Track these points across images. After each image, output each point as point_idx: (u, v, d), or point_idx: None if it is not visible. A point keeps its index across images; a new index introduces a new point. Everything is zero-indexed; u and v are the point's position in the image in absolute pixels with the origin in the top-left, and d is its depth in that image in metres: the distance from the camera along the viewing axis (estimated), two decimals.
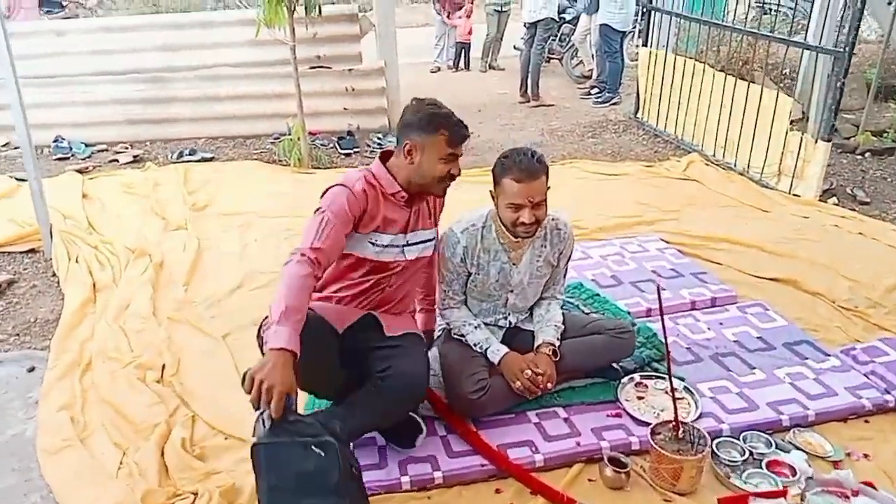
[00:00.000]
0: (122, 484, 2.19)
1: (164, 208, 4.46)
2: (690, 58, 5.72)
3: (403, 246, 2.29)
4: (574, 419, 2.43)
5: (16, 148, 5.61)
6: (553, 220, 2.52)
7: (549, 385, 2.41)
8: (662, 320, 2.24)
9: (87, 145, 5.62)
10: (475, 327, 2.52)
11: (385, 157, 2.29)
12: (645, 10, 6.21)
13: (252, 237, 4.11)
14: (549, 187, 2.37)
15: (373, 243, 2.22)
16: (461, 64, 10.00)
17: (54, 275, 3.66)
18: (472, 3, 10.11)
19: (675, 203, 4.60)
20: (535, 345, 2.49)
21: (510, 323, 2.63)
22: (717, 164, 5.28)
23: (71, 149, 5.56)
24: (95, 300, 3.36)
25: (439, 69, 10.03)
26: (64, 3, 8.11)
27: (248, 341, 2.97)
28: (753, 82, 5.10)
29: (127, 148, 5.62)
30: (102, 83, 5.67)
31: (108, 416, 2.51)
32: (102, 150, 5.65)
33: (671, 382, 2.25)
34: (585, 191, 4.83)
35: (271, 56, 5.73)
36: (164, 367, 2.81)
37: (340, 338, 2.21)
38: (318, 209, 2.13)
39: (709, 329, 3.00)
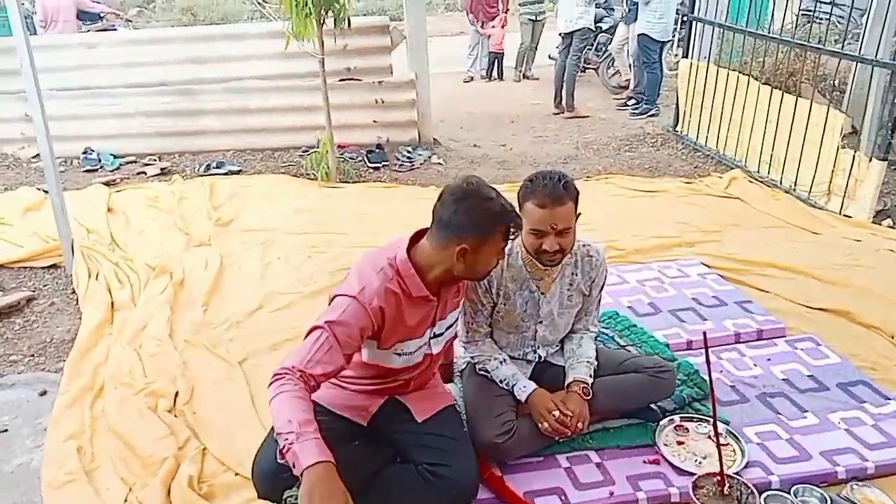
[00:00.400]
0: None
1: (188, 223, 4.38)
2: (734, 70, 5.48)
3: (430, 339, 2.10)
4: (608, 465, 2.25)
5: None
6: (585, 246, 2.37)
7: (581, 426, 2.23)
8: (709, 370, 2.04)
9: (115, 157, 5.60)
10: (501, 362, 2.36)
11: (414, 240, 1.99)
12: (686, 20, 5.96)
13: (275, 255, 4.00)
14: (578, 213, 2.22)
15: (399, 354, 2.01)
16: (494, 73, 9.86)
17: (74, 292, 3.59)
18: (506, 13, 9.97)
19: (717, 223, 4.37)
20: (566, 383, 2.32)
21: (539, 357, 2.46)
22: (761, 182, 5.03)
23: (100, 161, 5.55)
24: (113, 320, 3.28)
25: (472, 79, 9.90)
26: (102, 15, 8.15)
27: (264, 368, 2.88)
28: (800, 95, 4.85)
29: (155, 160, 5.59)
30: (132, 95, 5.65)
31: (116, 448, 2.41)
32: (131, 163, 5.63)
33: (716, 429, 2.05)
34: (622, 208, 4.63)
35: (300, 68, 5.65)
36: (176, 394, 2.71)
37: (367, 430, 2.07)
38: (319, 321, 1.83)
39: (755, 365, 2.78)
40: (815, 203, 4.61)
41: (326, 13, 4.69)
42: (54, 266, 3.87)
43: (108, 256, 3.86)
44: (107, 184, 5.08)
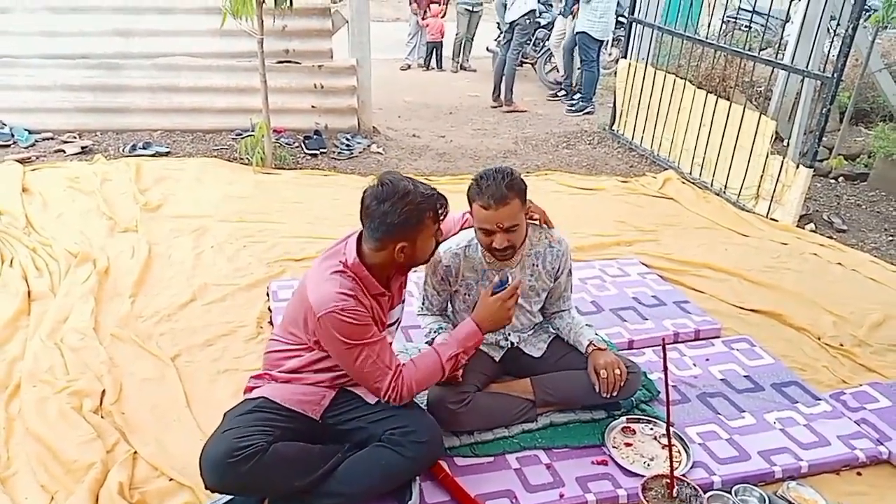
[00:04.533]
0: None
1: (112, 207, 4.12)
2: (670, 72, 5.60)
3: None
4: (557, 466, 2.25)
5: None
6: (547, 237, 2.42)
7: (621, 370, 2.31)
8: (666, 377, 2.05)
9: (30, 132, 5.21)
10: (435, 331, 2.43)
11: (359, 248, 2.05)
12: (627, 21, 6.06)
13: (208, 243, 3.81)
14: (528, 207, 2.28)
15: None
16: (433, 63, 9.79)
17: None
18: (445, 4, 9.91)
19: (653, 222, 4.47)
20: (585, 347, 2.41)
21: (511, 343, 2.52)
22: (693, 183, 5.18)
23: (13, 136, 5.14)
24: (30, 311, 3.04)
25: (409, 66, 9.80)
26: None
27: (199, 365, 2.75)
28: (727, 99, 5.00)
29: (75, 138, 5.23)
30: (50, 67, 5.25)
31: (36, 452, 2.22)
32: (48, 139, 5.24)
33: (669, 435, 2.07)
34: (561, 206, 4.66)
35: (236, 47, 5.41)
36: (103, 393, 2.53)
37: (320, 425, 2.06)
38: (352, 352, 1.95)
39: (695, 365, 2.85)
40: (743, 206, 4.78)
41: None
42: None
43: (24, 241, 3.58)
44: (21, 161, 4.72)
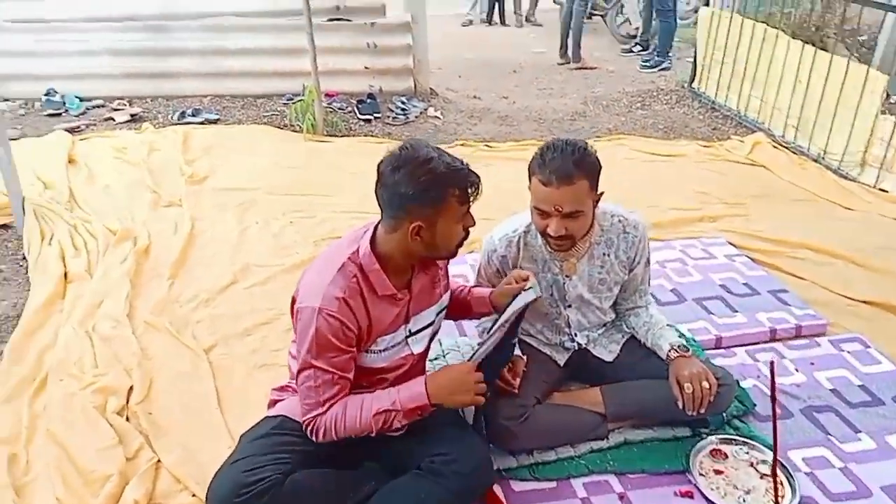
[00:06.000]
0: None
1: (157, 180, 3.94)
2: (759, 21, 4.99)
3: (407, 338, 1.80)
4: (632, 496, 1.92)
5: (6, 100, 5.11)
6: (620, 221, 2.06)
7: (709, 382, 1.92)
8: (773, 406, 1.68)
9: (81, 100, 5.09)
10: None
11: (375, 235, 1.71)
12: None
13: (253, 218, 3.58)
14: (600, 193, 1.91)
15: (368, 352, 1.74)
16: (496, 17, 9.26)
17: (25, 258, 3.18)
18: None
19: (741, 194, 3.98)
20: (666, 353, 2.03)
21: (578, 345, 2.18)
22: (786, 147, 4.62)
23: (64, 103, 5.04)
24: (65, 294, 2.87)
25: (471, 22, 9.29)
26: None
27: (235, 358, 2.53)
28: (825, 50, 4.39)
29: (125, 105, 5.08)
30: (96, 31, 5.10)
31: (55, 457, 2.04)
32: (98, 107, 5.11)
33: (775, 476, 1.70)
34: (636, 175, 4.22)
35: (285, 5, 5.11)
36: (130, 389, 2.33)
37: (348, 447, 1.76)
38: (303, 356, 1.63)
39: (797, 370, 2.44)
40: (846, 174, 4.21)
41: None
42: (4, 227, 3.44)
43: (65, 217, 3.42)
44: (70, 130, 4.59)
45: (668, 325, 2.14)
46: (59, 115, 4.95)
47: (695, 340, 2.53)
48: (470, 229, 1.71)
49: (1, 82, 5.12)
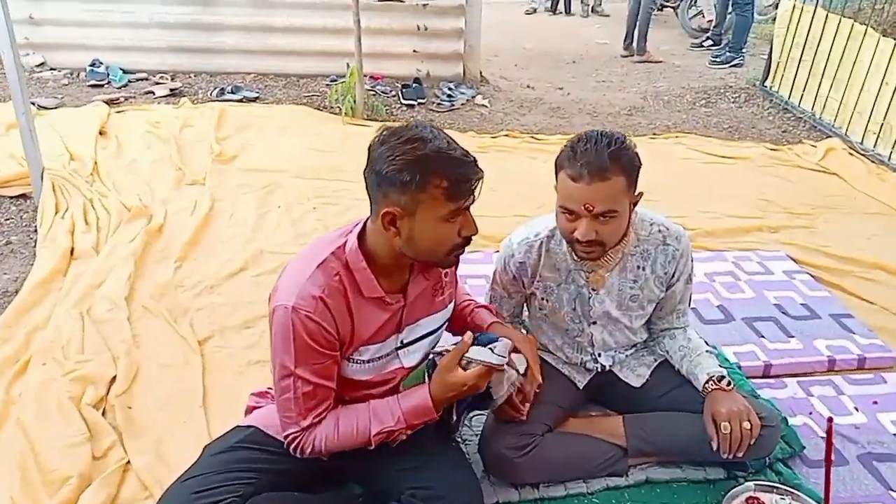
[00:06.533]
0: None
1: (184, 156, 3.81)
2: (846, 16, 4.53)
3: (397, 349, 1.56)
4: None
5: (52, 69, 5.10)
6: (660, 231, 1.77)
7: (750, 423, 1.63)
8: (828, 467, 1.38)
9: (125, 72, 5.03)
10: None
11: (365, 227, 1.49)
12: None
13: (276, 202, 3.42)
14: (639, 194, 1.63)
15: (352, 361, 1.52)
16: (560, 7, 8.89)
17: (37, 230, 3.09)
18: None
19: (808, 203, 3.60)
20: (703, 384, 1.74)
21: (601, 366, 1.91)
22: (864, 155, 4.18)
23: (108, 75, 4.99)
24: (67, 272, 2.76)
25: (535, 11, 8.97)
26: None
27: (229, 352, 2.35)
28: None
29: (166, 79, 5.00)
30: (145, 2, 5.02)
31: (20, 450, 1.90)
32: (142, 80, 5.05)
33: None
34: (691, 177, 3.87)
35: None
36: (113, 379, 2.18)
37: (323, 466, 1.57)
38: (282, 363, 1.43)
39: (857, 409, 2.11)
40: None
41: None
42: (23, 196, 3.36)
43: (83, 190, 3.32)
44: (109, 102, 4.53)
45: (707, 351, 1.84)
46: (102, 86, 4.90)
47: (739, 368, 2.23)
48: (470, 237, 1.44)
49: (49, 51, 5.11)
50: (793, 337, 2.43)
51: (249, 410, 1.72)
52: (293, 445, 1.48)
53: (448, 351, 1.50)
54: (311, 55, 5.14)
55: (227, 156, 3.87)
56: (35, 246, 2.95)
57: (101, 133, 4.03)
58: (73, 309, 2.48)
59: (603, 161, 1.53)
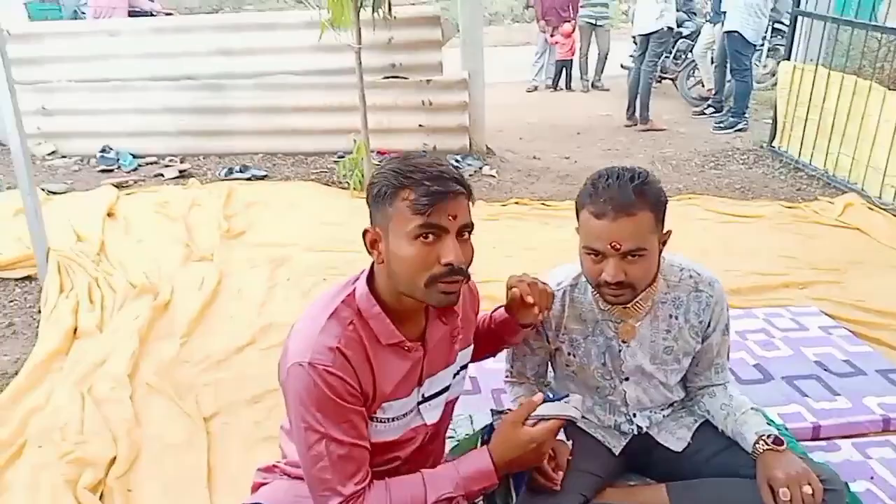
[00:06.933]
0: None
1: (192, 234, 3.77)
2: (848, 73, 4.56)
3: (419, 404, 1.41)
4: None
5: (63, 157, 5.16)
6: (692, 277, 1.65)
7: (812, 488, 1.44)
8: None
9: (135, 157, 5.08)
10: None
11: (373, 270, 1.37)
12: (791, 14, 5.07)
13: (285, 275, 3.33)
14: (667, 233, 1.54)
15: (376, 420, 1.36)
16: (561, 83, 9.08)
17: (40, 311, 3.00)
18: (575, 19, 9.20)
19: (833, 259, 3.48)
20: (752, 445, 1.56)
21: (637, 428, 1.74)
22: (884, 210, 4.09)
23: (118, 160, 5.04)
24: (69, 351, 2.65)
25: (536, 88, 9.14)
26: (155, 13, 7.78)
27: (237, 428, 2.20)
28: None
29: (174, 162, 5.04)
30: (156, 89, 5.13)
31: None
32: (151, 164, 5.09)
33: None
34: (708, 236, 3.78)
35: (341, 63, 5.00)
36: (113, 461, 2.03)
37: None
38: (306, 435, 1.26)
39: None
40: None
41: None
42: (28, 278, 3.30)
43: (89, 269, 3.25)
44: (118, 185, 4.54)
45: (753, 408, 1.68)
46: (112, 170, 4.94)
47: (786, 429, 2.05)
48: (455, 265, 1.25)
49: (60, 140, 5.18)
50: (839, 395, 2.26)
51: (256, 487, 1.56)
52: None
53: (510, 410, 1.37)
54: (318, 133, 5.19)
55: (236, 231, 3.83)
56: (38, 327, 2.85)
57: (109, 214, 4.01)
58: (74, 388, 2.37)
59: (628, 195, 1.43)
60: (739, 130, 6.37)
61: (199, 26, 5.12)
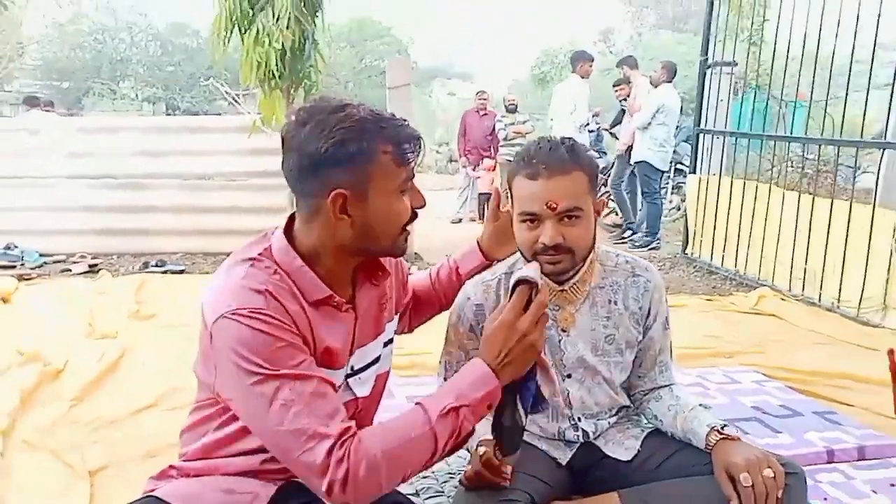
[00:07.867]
0: None
1: (95, 316, 3.48)
2: (750, 179, 4.92)
3: (347, 377, 1.26)
4: None
5: None
6: (627, 263, 1.60)
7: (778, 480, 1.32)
8: None
9: (42, 255, 4.79)
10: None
11: (289, 229, 1.24)
12: (694, 132, 5.54)
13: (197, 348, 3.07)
14: (601, 202, 1.50)
15: None
16: (485, 215, 9.41)
17: None
18: (495, 157, 9.75)
19: (755, 337, 3.53)
20: (705, 437, 1.45)
21: (584, 434, 1.59)
22: (796, 300, 4.26)
23: (22, 258, 4.73)
24: None
25: (461, 220, 9.44)
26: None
27: (126, 479, 1.90)
28: (817, 195, 4.23)
29: (84, 257, 4.77)
30: (72, 188, 4.96)
31: None
32: (59, 262, 4.80)
33: None
34: None
35: (271, 165, 5.04)
36: None
37: None
38: (258, 380, 1.05)
39: (875, 492, 1.83)
40: (867, 321, 3.81)
41: (296, 88, 4.15)
42: None
43: None
44: (19, 278, 4.23)
45: (701, 405, 1.59)
46: (14, 267, 4.61)
47: None
48: (417, 211, 1.23)
49: None
50: (780, 433, 2.20)
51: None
52: (340, 477, 1.01)
53: None
54: (245, 233, 5.01)
55: (146, 314, 3.57)
56: None
57: (3, 300, 3.68)
58: None
59: (561, 155, 1.42)
60: (653, 249, 6.67)
61: (123, 127, 5.09)
